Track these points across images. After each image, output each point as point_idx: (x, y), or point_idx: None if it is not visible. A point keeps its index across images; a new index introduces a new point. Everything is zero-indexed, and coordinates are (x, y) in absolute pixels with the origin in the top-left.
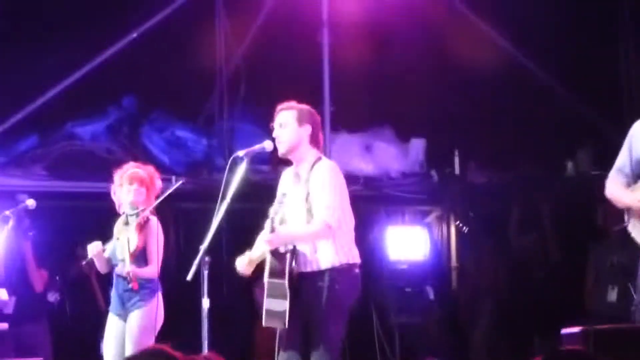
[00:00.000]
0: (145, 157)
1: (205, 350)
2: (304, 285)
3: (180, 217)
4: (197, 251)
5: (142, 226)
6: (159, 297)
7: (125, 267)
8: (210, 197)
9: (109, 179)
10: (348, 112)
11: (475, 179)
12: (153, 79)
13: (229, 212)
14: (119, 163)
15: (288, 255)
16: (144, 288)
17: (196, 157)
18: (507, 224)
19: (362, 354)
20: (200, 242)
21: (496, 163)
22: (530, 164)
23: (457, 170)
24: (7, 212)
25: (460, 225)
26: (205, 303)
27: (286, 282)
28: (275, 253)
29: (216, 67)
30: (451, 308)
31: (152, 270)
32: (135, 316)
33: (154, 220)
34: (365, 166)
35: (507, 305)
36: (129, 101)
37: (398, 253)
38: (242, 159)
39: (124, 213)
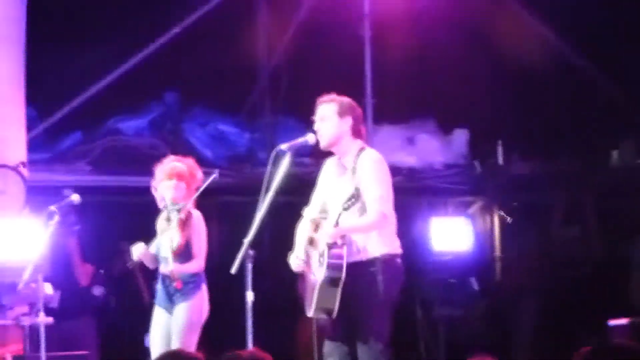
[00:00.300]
0: (188, 151)
1: (250, 343)
2: (350, 275)
3: (223, 210)
4: (240, 244)
5: (185, 222)
6: (204, 290)
7: (168, 266)
8: (253, 190)
9: (152, 173)
10: (390, 104)
11: (519, 170)
12: (195, 74)
13: (271, 205)
14: (162, 158)
15: (345, 248)
16: (189, 282)
17: (239, 150)
18: (550, 215)
19: (406, 346)
20: (243, 235)
21: (539, 154)
22: (574, 155)
23: (500, 161)
24: (53, 208)
25: (504, 216)
26: (250, 296)
27: (343, 274)
28: (332, 246)
29: (258, 61)
30: (495, 300)
31: (196, 265)
32: (181, 310)
33: (197, 215)
34: (408, 158)
35: (551, 298)
36: (172, 96)
37: (442, 244)
38: (284, 152)
39: (165, 208)
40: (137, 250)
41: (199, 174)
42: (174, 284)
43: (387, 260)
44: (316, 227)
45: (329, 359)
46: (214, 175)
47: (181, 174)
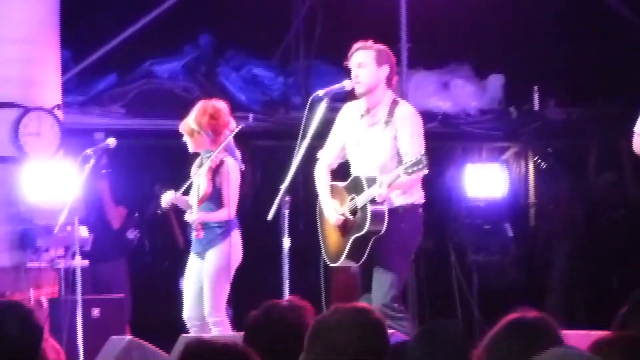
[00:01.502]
0: (222, 95)
1: (287, 289)
2: None
3: (256, 155)
4: (273, 189)
5: (215, 170)
6: (236, 236)
7: (192, 214)
8: (287, 135)
9: (185, 117)
10: (425, 49)
11: (554, 116)
12: (229, 17)
13: (306, 151)
14: (195, 101)
15: (385, 202)
16: (219, 228)
17: (273, 95)
18: (585, 161)
19: (440, 292)
20: (277, 180)
21: (575, 99)
22: (610, 100)
23: (536, 107)
24: (88, 151)
25: (539, 161)
26: (286, 242)
27: (384, 228)
28: (375, 201)
29: (292, 4)
30: (529, 245)
31: (225, 213)
32: (212, 255)
33: (230, 162)
34: (442, 103)
35: (585, 243)
36: (206, 39)
37: (476, 190)
38: (321, 98)
39: (197, 153)
40: (166, 198)
41: (225, 118)
42: (195, 234)
43: (409, 209)
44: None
45: None
46: (241, 126)
47: (189, 129)
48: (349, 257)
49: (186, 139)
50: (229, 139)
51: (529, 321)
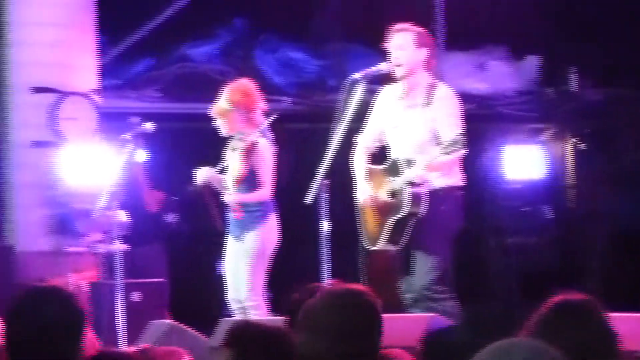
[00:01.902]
0: (257, 78)
1: (325, 272)
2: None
3: (292, 138)
4: (309, 172)
5: (249, 151)
6: (273, 219)
7: (229, 196)
8: (323, 118)
9: None
10: (461, 30)
11: (592, 96)
12: (265, 0)
13: (342, 134)
14: None
15: (425, 185)
16: (256, 211)
17: (308, 77)
18: (623, 141)
19: (479, 274)
20: (313, 163)
21: (613, 79)
22: None
23: (573, 87)
24: (126, 135)
25: (576, 142)
26: (325, 226)
27: (422, 209)
28: (413, 183)
29: None
30: (568, 227)
31: (261, 193)
32: (249, 238)
33: (263, 142)
34: (479, 85)
35: (623, 225)
36: (241, 22)
37: (514, 172)
38: (358, 80)
39: (231, 137)
40: (201, 174)
41: (254, 93)
42: (234, 215)
43: (449, 192)
44: (371, 156)
45: (405, 294)
46: (275, 116)
47: (222, 111)
48: (388, 240)
49: (219, 121)
50: (265, 124)
51: (575, 303)
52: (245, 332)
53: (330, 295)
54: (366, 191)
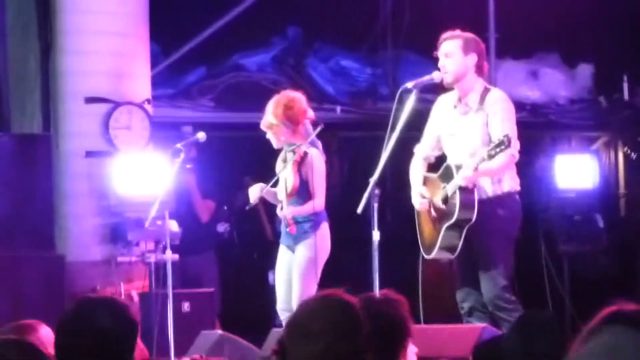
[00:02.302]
0: (310, 87)
1: (377, 283)
2: None
3: (344, 146)
4: (361, 180)
5: (300, 162)
6: (325, 229)
7: (283, 209)
8: (374, 126)
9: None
10: (513, 38)
11: None
12: (317, 9)
13: (394, 143)
14: None
15: (475, 191)
16: (308, 221)
17: (360, 86)
18: None
19: (531, 283)
20: (364, 172)
21: None
22: None
23: (625, 96)
24: (178, 145)
25: (629, 151)
26: (376, 235)
27: (474, 216)
28: (463, 188)
29: None
30: (620, 236)
31: (314, 204)
32: (301, 248)
33: (314, 153)
34: (531, 93)
35: None
36: (294, 31)
37: (566, 181)
38: (410, 90)
39: (282, 148)
40: (254, 193)
41: (297, 105)
42: (288, 229)
43: (507, 198)
44: (429, 165)
45: (463, 304)
46: (320, 127)
47: (268, 124)
48: (442, 247)
49: (269, 135)
50: (313, 135)
51: (628, 314)
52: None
53: (315, 301)
54: (422, 198)
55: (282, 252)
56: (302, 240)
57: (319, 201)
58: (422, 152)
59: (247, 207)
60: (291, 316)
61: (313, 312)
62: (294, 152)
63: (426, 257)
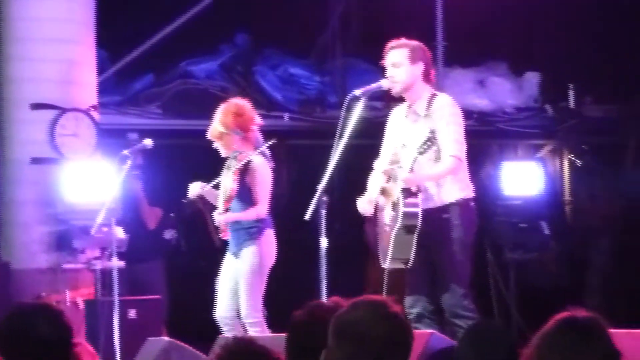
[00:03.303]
0: (258, 94)
1: (324, 290)
2: (426, 222)
3: (292, 154)
4: (309, 189)
5: (243, 170)
6: (270, 235)
7: (220, 215)
8: (323, 134)
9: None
10: (461, 47)
11: (591, 113)
12: (266, 16)
13: (342, 151)
14: None
15: (420, 195)
16: (253, 227)
17: (309, 94)
18: (622, 158)
19: (477, 290)
20: (313, 179)
21: (612, 96)
22: None
23: (572, 104)
24: (125, 152)
25: (574, 159)
26: (324, 242)
27: (419, 222)
28: (407, 192)
29: (329, 2)
30: (566, 243)
31: (254, 212)
32: (245, 255)
33: (258, 160)
34: (479, 101)
35: (622, 240)
36: (242, 39)
37: (512, 188)
38: (358, 97)
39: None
40: (193, 189)
41: (246, 112)
42: (221, 234)
43: (461, 205)
44: (388, 178)
45: (411, 310)
46: (272, 141)
47: (217, 133)
48: (395, 257)
49: (217, 144)
50: (263, 147)
51: (580, 321)
52: (239, 350)
53: (371, 306)
54: (368, 203)
55: (228, 260)
56: (246, 247)
57: (262, 208)
58: (380, 167)
59: (184, 200)
60: (339, 321)
61: (367, 318)
62: (236, 159)
63: (383, 266)
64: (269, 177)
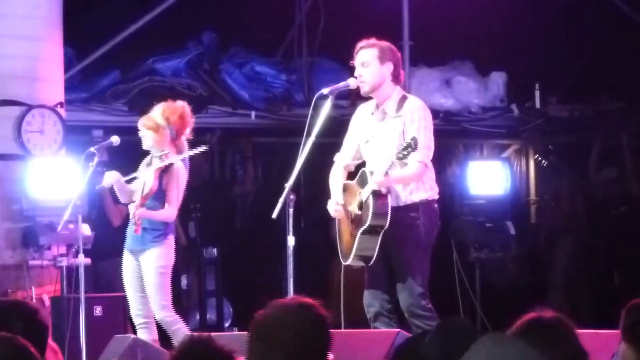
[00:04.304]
0: (225, 92)
1: (291, 288)
2: (389, 221)
3: (258, 152)
4: (275, 186)
5: (164, 170)
6: (172, 239)
7: (135, 207)
8: (289, 132)
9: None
10: (427, 46)
11: (556, 113)
12: (232, 14)
13: (309, 149)
14: (199, 98)
15: (389, 196)
16: (160, 229)
17: (275, 92)
18: (587, 158)
19: (442, 289)
20: (279, 177)
21: (577, 97)
22: (611, 97)
23: (537, 105)
24: (92, 149)
25: (540, 159)
26: (291, 241)
27: (387, 222)
28: (377, 194)
29: (295, 1)
30: (531, 243)
31: (168, 213)
32: (151, 258)
33: (180, 165)
34: (445, 101)
35: (587, 240)
36: (209, 36)
37: (478, 188)
38: (326, 96)
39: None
40: (109, 177)
41: (188, 119)
42: (134, 229)
43: (424, 205)
44: (349, 174)
45: (369, 309)
46: (203, 149)
47: (154, 124)
48: (357, 255)
49: (145, 133)
50: (191, 153)
51: (547, 321)
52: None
53: (284, 309)
54: (337, 205)
55: (128, 259)
56: (150, 248)
57: (172, 211)
58: (342, 161)
59: (97, 187)
60: (257, 323)
61: (280, 318)
62: (160, 158)
63: (343, 263)
64: (184, 184)
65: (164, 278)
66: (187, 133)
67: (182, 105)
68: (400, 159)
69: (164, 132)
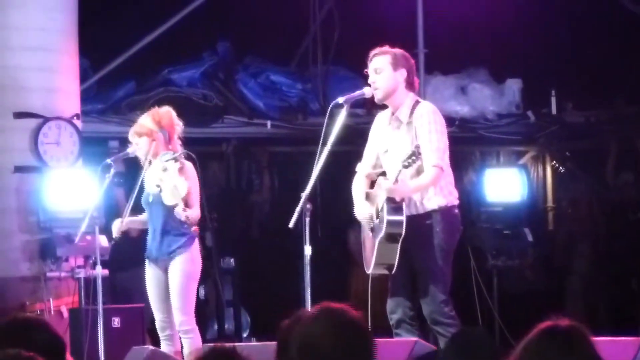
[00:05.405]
0: (240, 102)
1: (309, 297)
2: (409, 228)
3: (274, 161)
4: (291, 195)
5: (182, 170)
6: (197, 242)
7: (180, 212)
8: (305, 141)
9: (205, 124)
10: (442, 53)
11: (572, 119)
12: (247, 24)
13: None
14: (215, 108)
15: (404, 203)
16: (183, 234)
17: (291, 101)
18: (603, 163)
19: (460, 296)
20: (295, 186)
21: (593, 102)
22: (627, 102)
23: (553, 111)
24: (109, 160)
25: (556, 165)
26: (308, 250)
27: (403, 230)
28: (391, 201)
29: (310, 10)
30: (548, 249)
31: (197, 212)
32: (179, 261)
33: (189, 165)
34: (460, 108)
35: (604, 247)
36: (224, 46)
37: (494, 195)
38: (341, 105)
39: (149, 161)
40: (116, 227)
41: (176, 121)
42: (193, 228)
43: (444, 211)
44: (372, 183)
45: (392, 315)
46: (127, 152)
47: (147, 130)
48: (379, 263)
49: (139, 141)
50: (176, 154)
51: (562, 329)
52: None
53: (327, 317)
54: (364, 213)
55: (152, 268)
56: (177, 255)
57: (199, 211)
58: (363, 170)
59: (112, 242)
60: (300, 331)
61: (323, 330)
62: (175, 160)
63: (367, 272)
64: (197, 181)
65: (191, 284)
66: (179, 133)
67: (168, 109)
68: (405, 167)
69: (158, 136)
